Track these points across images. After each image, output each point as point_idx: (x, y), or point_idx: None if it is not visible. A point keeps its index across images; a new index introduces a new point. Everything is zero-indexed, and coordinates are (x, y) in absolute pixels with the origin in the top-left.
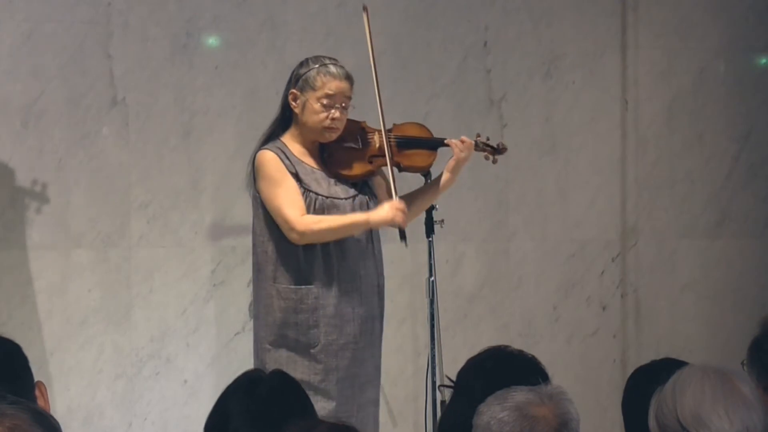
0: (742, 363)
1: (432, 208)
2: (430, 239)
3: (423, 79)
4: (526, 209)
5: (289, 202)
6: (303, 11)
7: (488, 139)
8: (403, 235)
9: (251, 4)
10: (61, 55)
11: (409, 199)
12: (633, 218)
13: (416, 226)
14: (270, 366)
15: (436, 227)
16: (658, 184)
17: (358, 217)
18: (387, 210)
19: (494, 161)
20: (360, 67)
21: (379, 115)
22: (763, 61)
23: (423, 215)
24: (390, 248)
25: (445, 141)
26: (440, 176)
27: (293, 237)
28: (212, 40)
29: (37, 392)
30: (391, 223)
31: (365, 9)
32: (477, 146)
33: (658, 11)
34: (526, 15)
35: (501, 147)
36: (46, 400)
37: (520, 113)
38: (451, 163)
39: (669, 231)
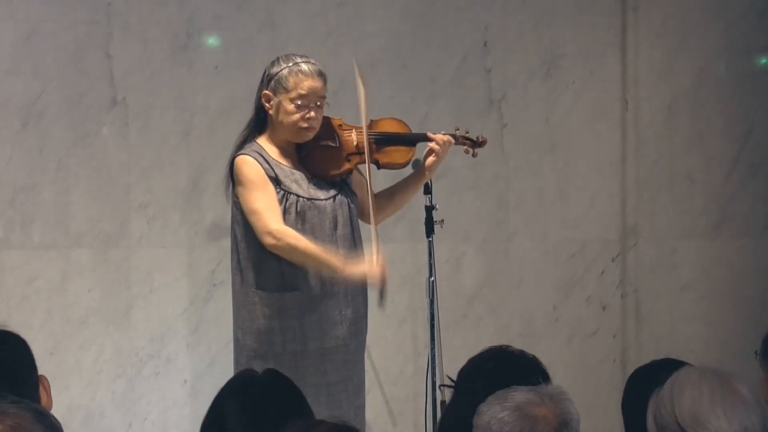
0: (756, 353)
1: (432, 208)
2: (430, 239)
3: (423, 79)
4: (526, 209)
5: (268, 207)
6: (303, 11)
7: (467, 133)
8: (382, 298)
9: (251, 4)
10: (61, 55)
11: (388, 194)
12: (633, 218)
13: (416, 226)
14: None
15: (436, 227)
16: (658, 184)
17: (337, 262)
18: (366, 269)
19: (474, 155)
20: (359, 68)
21: (362, 115)
22: (763, 61)
23: (423, 215)
24: (390, 248)
25: (428, 135)
26: (419, 172)
27: (267, 240)
28: (212, 40)
29: (40, 386)
30: (367, 280)
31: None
32: (456, 140)
33: (658, 11)
34: (526, 15)
35: (480, 140)
36: (49, 395)
37: (520, 113)
38: (431, 159)
39: (669, 231)
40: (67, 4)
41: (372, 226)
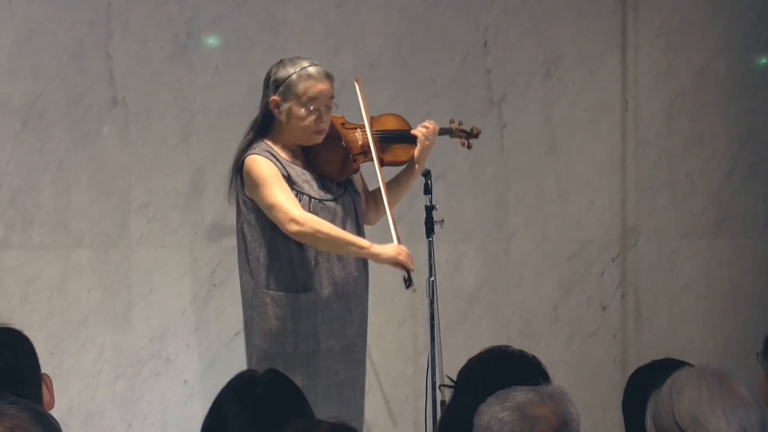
0: (757, 355)
1: (432, 208)
2: (430, 239)
3: (423, 79)
4: (526, 209)
5: (287, 199)
6: (303, 11)
7: (461, 124)
8: (409, 281)
9: (251, 4)
10: (61, 55)
11: (382, 192)
12: (633, 218)
13: (416, 227)
14: None
15: (436, 227)
16: (658, 184)
17: (362, 242)
18: (393, 248)
19: (469, 146)
20: (359, 68)
21: (366, 126)
22: (763, 61)
23: (423, 215)
24: None
25: (411, 132)
26: (410, 167)
27: (292, 228)
28: (212, 40)
29: (42, 385)
30: (394, 263)
31: (357, 80)
32: (452, 133)
33: (658, 11)
34: (526, 15)
35: (475, 132)
36: (51, 393)
37: (520, 113)
38: (416, 151)
39: (669, 231)
40: (67, 4)
41: (388, 216)
